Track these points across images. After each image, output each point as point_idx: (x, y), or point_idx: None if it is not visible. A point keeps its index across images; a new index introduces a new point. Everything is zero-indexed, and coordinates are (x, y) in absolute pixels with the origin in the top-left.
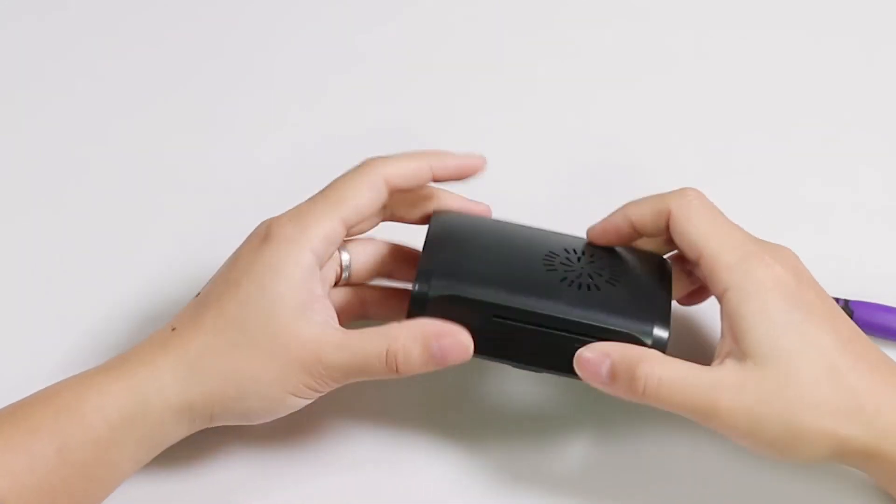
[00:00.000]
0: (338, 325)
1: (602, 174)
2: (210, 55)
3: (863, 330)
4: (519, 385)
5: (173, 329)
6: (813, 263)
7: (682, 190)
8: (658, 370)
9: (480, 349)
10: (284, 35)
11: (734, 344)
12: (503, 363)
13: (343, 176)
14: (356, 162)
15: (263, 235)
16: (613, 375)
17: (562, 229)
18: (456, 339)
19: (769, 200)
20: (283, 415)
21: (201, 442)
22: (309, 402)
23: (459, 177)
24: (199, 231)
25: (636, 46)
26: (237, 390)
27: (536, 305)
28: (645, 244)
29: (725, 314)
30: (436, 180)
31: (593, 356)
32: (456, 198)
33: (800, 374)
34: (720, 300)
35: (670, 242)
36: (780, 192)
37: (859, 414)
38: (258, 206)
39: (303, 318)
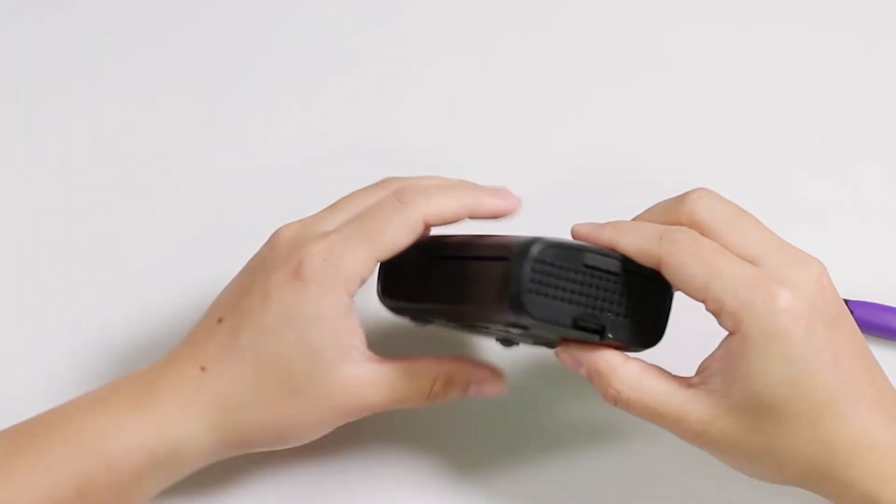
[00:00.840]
0: (372, 355)
1: (602, 174)
2: (210, 55)
3: (862, 330)
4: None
5: (203, 369)
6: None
7: (672, 231)
8: (626, 390)
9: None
10: (284, 35)
11: (722, 372)
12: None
13: (383, 210)
14: (359, 160)
15: (295, 271)
16: (589, 378)
17: (560, 229)
18: (493, 385)
19: (769, 200)
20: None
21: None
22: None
23: (494, 218)
24: (198, 231)
25: (636, 46)
26: (277, 434)
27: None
28: None
29: (726, 346)
30: (470, 218)
31: (569, 360)
32: (490, 201)
33: (777, 429)
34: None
35: None
36: (780, 192)
37: (830, 467)
38: (258, 206)
39: (344, 361)
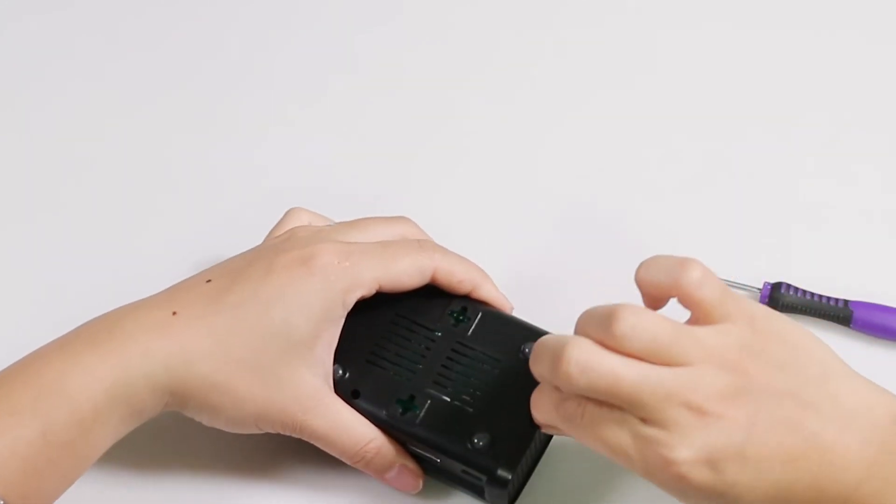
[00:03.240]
0: (332, 388)
1: (602, 173)
2: (209, 55)
3: (862, 330)
4: None
5: (174, 313)
6: (813, 263)
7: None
8: None
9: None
10: (284, 35)
11: None
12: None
13: (401, 246)
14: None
15: (305, 259)
16: None
17: (560, 228)
18: (413, 479)
19: (769, 200)
20: (232, 433)
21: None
22: (259, 433)
23: (487, 303)
24: (198, 231)
25: (635, 46)
26: (217, 403)
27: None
28: None
29: None
30: (468, 296)
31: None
32: (493, 291)
33: None
34: None
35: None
36: (780, 191)
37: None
38: (257, 205)
39: (311, 368)
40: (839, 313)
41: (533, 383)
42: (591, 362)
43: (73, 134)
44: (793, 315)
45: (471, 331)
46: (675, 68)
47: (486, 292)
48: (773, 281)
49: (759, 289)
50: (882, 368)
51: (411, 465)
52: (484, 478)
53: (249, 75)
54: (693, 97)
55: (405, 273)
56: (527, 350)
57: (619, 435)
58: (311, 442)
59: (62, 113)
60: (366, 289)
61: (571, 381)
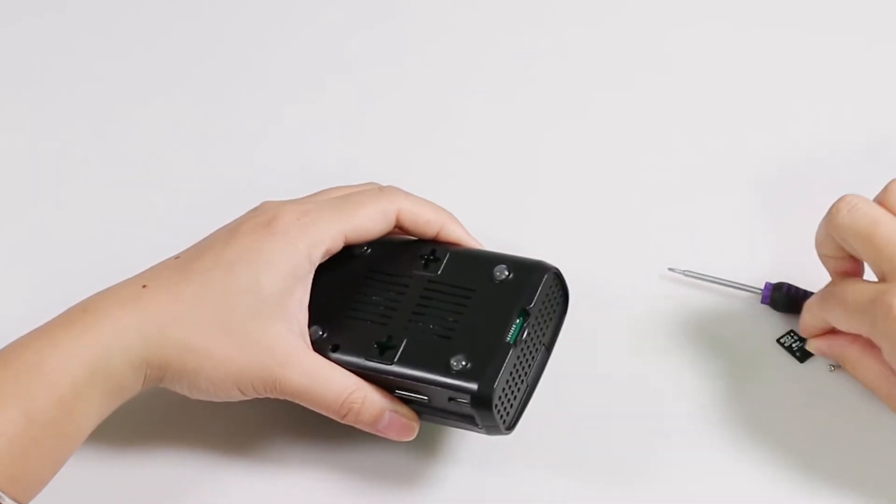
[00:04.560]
0: (310, 345)
1: (601, 174)
2: (208, 56)
3: None
4: None
5: (144, 286)
6: (813, 263)
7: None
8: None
9: None
10: (282, 35)
11: None
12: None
13: (361, 195)
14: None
15: (267, 222)
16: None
17: (559, 227)
18: (407, 423)
19: (769, 200)
20: (218, 401)
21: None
22: (245, 399)
23: (455, 243)
24: (197, 231)
25: (635, 46)
26: (195, 366)
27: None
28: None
29: None
30: (435, 239)
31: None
32: (460, 230)
33: None
34: None
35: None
36: (780, 191)
37: None
38: (256, 204)
39: (284, 323)
40: None
41: (507, 302)
42: (860, 204)
43: (72, 134)
44: (794, 315)
45: (440, 270)
46: (675, 68)
47: (453, 232)
48: (773, 281)
49: (759, 289)
50: None
51: (402, 409)
52: (467, 398)
53: (248, 75)
54: (693, 97)
55: (368, 219)
56: (498, 272)
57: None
58: (295, 400)
59: (61, 113)
60: (329, 242)
61: (838, 217)
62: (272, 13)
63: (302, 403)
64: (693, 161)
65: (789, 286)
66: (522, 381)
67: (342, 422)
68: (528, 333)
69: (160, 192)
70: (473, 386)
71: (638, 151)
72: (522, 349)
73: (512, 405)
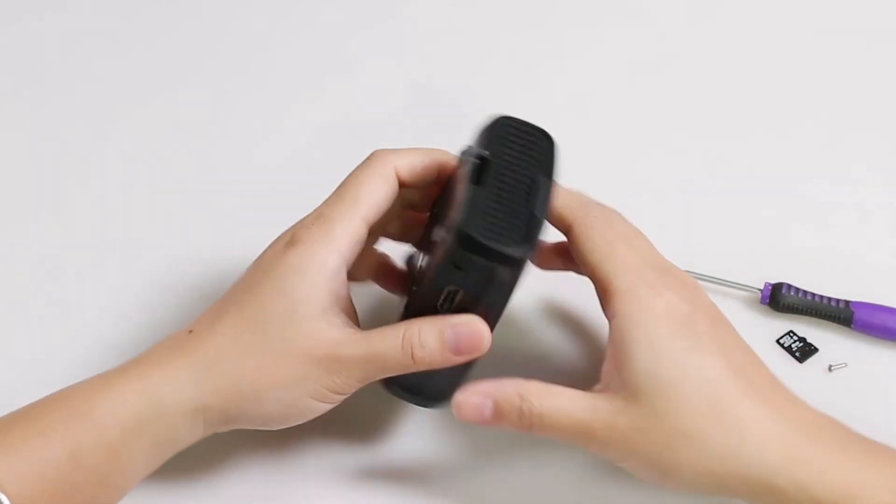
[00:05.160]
0: (358, 327)
1: (601, 174)
2: (208, 56)
3: (863, 331)
4: None
5: (190, 331)
6: (813, 263)
7: (592, 205)
8: (537, 405)
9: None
10: (282, 35)
11: (616, 371)
12: None
13: (355, 172)
14: (357, 160)
15: (288, 240)
16: (499, 414)
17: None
18: (471, 328)
19: (770, 200)
20: (305, 420)
21: (211, 450)
22: (331, 406)
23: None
24: (197, 230)
25: (635, 46)
26: (254, 393)
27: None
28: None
29: (611, 339)
30: (439, 176)
31: (475, 399)
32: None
33: (677, 405)
34: (609, 323)
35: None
36: (781, 191)
37: (741, 449)
38: (257, 205)
39: (323, 319)
40: (840, 314)
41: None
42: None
43: (72, 134)
44: (794, 315)
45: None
46: (675, 68)
47: (454, 166)
48: (773, 281)
49: (759, 289)
50: (883, 369)
51: (454, 318)
52: (456, 244)
53: (248, 75)
54: (693, 97)
55: (372, 190)
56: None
57: (630, 255)
58: (367, 374)
59: (61, 114)
60: (352, 232)
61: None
62: (272, 14)
63: (372, 373)
64: (693, 161)
65: (789, 286)
66: (517, 211)
67: (415, 368)
68: (497, 171)
69: (160, 192)
70: (455, 229)
71: (637, 151)
72: (496, 185)
73: (512, 233)
